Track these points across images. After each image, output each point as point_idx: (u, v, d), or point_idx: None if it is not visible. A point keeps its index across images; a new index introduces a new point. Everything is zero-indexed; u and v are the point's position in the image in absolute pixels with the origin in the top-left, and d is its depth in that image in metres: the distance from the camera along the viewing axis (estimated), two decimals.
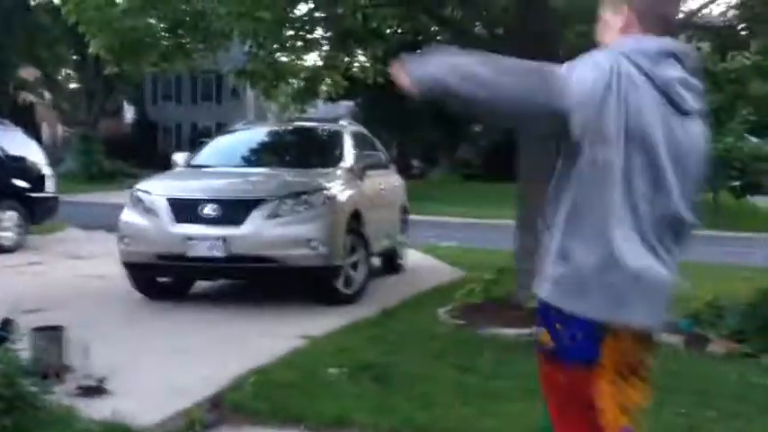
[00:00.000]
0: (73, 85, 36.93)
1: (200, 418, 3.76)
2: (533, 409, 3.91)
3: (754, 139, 21.96)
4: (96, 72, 32.11)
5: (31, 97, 39.86)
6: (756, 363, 4.94)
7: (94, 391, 3.93)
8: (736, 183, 21.13)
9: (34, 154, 11.05)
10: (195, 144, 15.50)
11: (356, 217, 7.00)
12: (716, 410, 3.98)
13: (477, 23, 7.64)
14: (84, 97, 33.26)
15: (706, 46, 7.29)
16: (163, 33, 7.01)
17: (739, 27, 6.65)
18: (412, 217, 9.67)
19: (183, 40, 6.98)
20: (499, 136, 30.51)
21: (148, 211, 6.59)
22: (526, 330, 5.36)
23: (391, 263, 8.71)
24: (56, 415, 3.54)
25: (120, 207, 7.11)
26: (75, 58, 33.59)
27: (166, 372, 4.47)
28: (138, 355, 4.76)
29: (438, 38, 13.07)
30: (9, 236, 10.07)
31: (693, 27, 6.82)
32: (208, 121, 39.84)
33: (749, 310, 5.40)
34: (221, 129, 12.64)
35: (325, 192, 6.69)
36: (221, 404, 3.99)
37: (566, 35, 7.41)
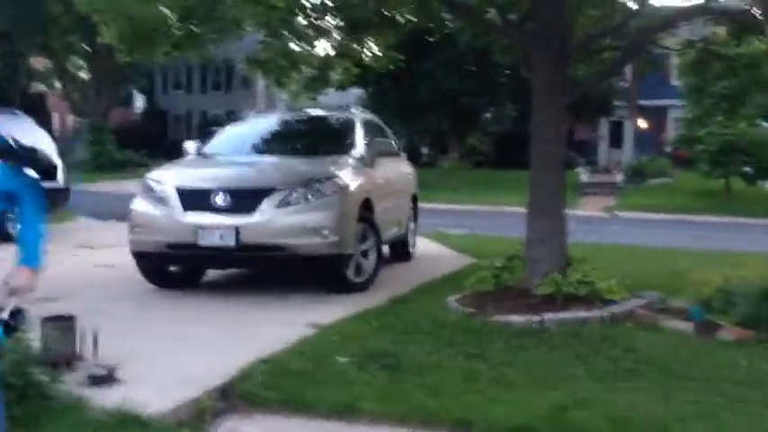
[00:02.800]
0: (83, 75, 36.99)
1: (211, 407, 3.78)
2: (543, 397, 3.92)
3: (766, 125, 21.76)
4: (107, 62, 32.22)
5: (42, 87, 40.03)
6: (767, 349, 4.90)
7: (105, 380, 3.95)
8: (748, 168, 20.98)
9: (44, 144, 11.09)
10: (205, 133, 15.52)
11: (367, 205, 6.99)
12: (726, 397, 3.96)
13: (490, 9, 7.59)
14: (95, 87, 33.33)
15: (722, 31, 7.21)
16: (175, 22, 7.00)
17: (755, 12, 6.57)
18: (421, 204, 9.65)
19: (195, 29, 6.96)
20: (509, 124, 30.39)
21: (159, 199, 6.60)
22: (536, 318, 5.37)
23: (401, 251, 8.70)
24: (66, 404, 3.57)
25: (130, 196, 7.13)
26: (85, 47, 33.63)
27: (176, 360, 4.48)
28: (149, 344, 4.78)
29: (450, 25, 13.01)
30: (19, 226, 10.11)
31: (710, 12, 6.75)
32: (218, 110, 39.90)
33: (760, 296, 5.36)
34: (231, 118, 12.67)
35: (336, 180, 6.68)
36: (231, 393, 4.01)
37: (578, 20, 7.35)
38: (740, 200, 20.24)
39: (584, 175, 26.36)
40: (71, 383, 3.79)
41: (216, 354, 4.60)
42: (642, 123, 31.85)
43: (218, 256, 6.46)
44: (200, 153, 7.76)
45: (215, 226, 6.31)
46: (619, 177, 26.65)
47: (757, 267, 5.98)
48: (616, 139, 33.43)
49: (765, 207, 18.83)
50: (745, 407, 3.86)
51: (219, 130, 8.57)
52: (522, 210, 6.69)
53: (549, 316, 5.38)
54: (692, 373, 4.38)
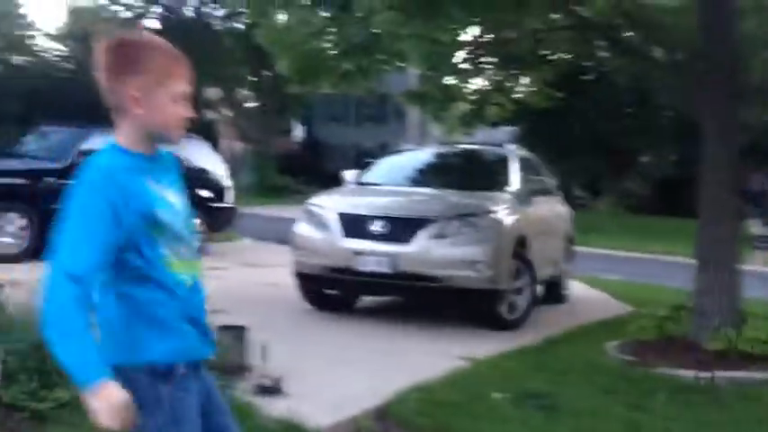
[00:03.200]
0: (249, 105, 39.42)
1: (368, 427, 3.86)
2: None
3: None
4: (272, 92, 34.18)
5: (213, 115, 43.04)
6: None
7: (271, 390, 4.14)
8: None
9: (217, 167, 11.90)
10: (359, 164, 16.02)
11: (522, 242, 6.92)
12: None
13: (655, 47, 7.34)
14: (260, 116, 35.41)
15: None
16: (339, 57, 7.34)
17: None
18: (575, 248, 9.41)
19: (363, 63, 7.26)
20: (669, 168, 29.03)
21: (320, 224, 6.87)
22: (706, 374, 5.03)
23: (555, 292, 8.51)
24: (237, 409, 3.76)
25: (288, 221, 7.46)
26: (252, 78, 35.90)
27: (334, 380, 4.63)
28: (308, 362, 4.96)
29: (610, 62, 12.72)
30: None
31: None
32: (371, 142, 41.05)
33: None
34: (384, 149, 12.98)
35: (491, 215, 6.68)
36: (387, 416, 4.08)
37: (751, 64, 6.95)
38: None
39: (757, 227, 24.63)
40: (241, 391, 4.01)
41: (371, 377, 4.70)
42: None
43: (373, 282, 6.61)
44: (358, 182, 8.02)
45: (372, 252, 6.48)
46: None
47: None
48: None
49: None
50: None
51: (376, 161, 8.83)
52: (682, 260, 6.36)
53: (720, 373, 5.02)
54: None
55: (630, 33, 7.47)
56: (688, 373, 5.03)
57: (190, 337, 1.88)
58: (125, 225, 1.76)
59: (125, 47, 1.83)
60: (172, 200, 1.88)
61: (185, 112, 1.89)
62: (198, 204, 10.93)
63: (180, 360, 1.84)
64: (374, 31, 6.70)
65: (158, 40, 1.89)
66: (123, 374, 1.74)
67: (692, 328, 5.73)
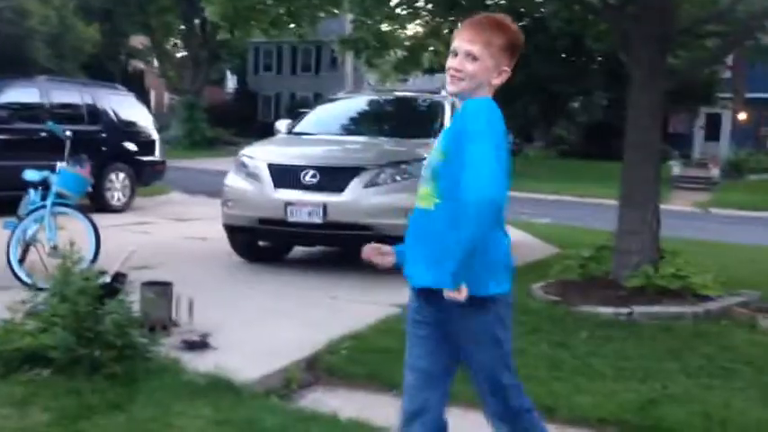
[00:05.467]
0: (179, 54, 38.23)
1: (297, 378, 3.86)
2: (630, 390, 3.83)
3: None
4: (202, 41, 33.20)
5: (140, 65, 41.62)
6: None
7: (198, 345, 4.10)
8: None
9: (144, 119, 11.54)
10: (293, 114, 15.79)
11: None
12: None
13: None
14: (191, 66, 34.41)
15: None
16: (273, 1, 7.12)
17: None
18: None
19: (293, 7, 7.07)
20: (599, 114, 29.60)
21: (251, 176, 6.76)
22: (625, 309, 5.23)
23: None
24: (163, 365, 3.72)
25: (220, 174, 7.32)
26: (182, 27, 34.74)
27: (264, 332, 4.61)
28: (238, 315, 4.93)
29: (543, 7, 12.71)
30: (118, 196, 10.60)
31: None
32: (306, 92, 40.49)
33: None
34: (319, 99, 12.83)
35: (424, 161, 6.66)
36: (317, 366, 4.09)
37: (679, 8, 7.05)
38: None
39: (677, 168, 25.43)
40: (167, 347, 3.95)
41: (302, 328, 4.70)
42: (742, 116, 30.40)
43: (305, 233, 6.57)
44: (290, 132, 7.89)
45: (303, 203, 6.42)
46: (715, 172, 25.59)
47: None
48: (713, 132, 32.05)
49: None
50: None
51: (309, 110, 8.69)
52: (610, 202, 6.53)
53: (638, 308, 5.24)
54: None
55: None
56: (608, 310, 5.22)
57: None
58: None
59: None
60: None
61: None
62: (124, 158, 10.74)
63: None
64: None
65: None
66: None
67: (614, 266, 5.92)
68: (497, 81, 2.28)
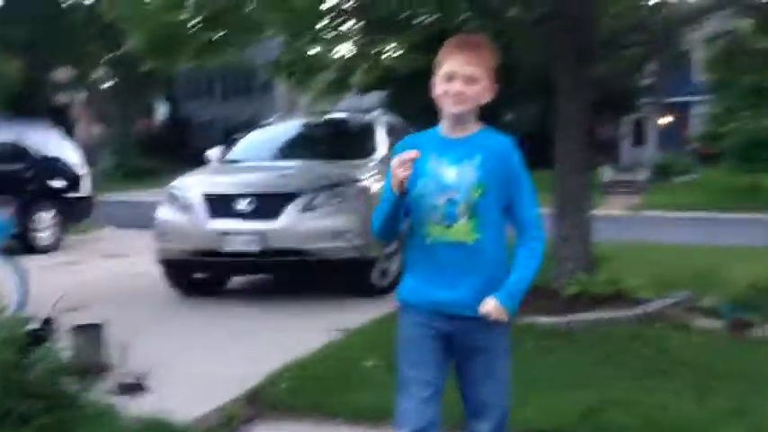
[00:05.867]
0: (106, 84, 37.43)
1: (238, 414, 3.77)
2: (573, 398, 3.86)
3: None
4: (129, 70, 32.56)
5: (66, 97, 40.55)
6: None
7: (134, 388, 3.97)
8: None
9: (69, 154, 11.22)
10: (227, 140, 15.62)
11: None
12: (761, 396, 3.88)
13: (512, 8, 7.51)
14: (119, 95, 33.74)
15: (749, 24, 7.09)
16: (197, 28, 7.02)
17: None
18: None
19: (217, 35, 6.99)
20: (531, 124, 30.20)
21: (184, 207, 6.63)
22: (564, 319, 5.30)
23: None
24: (97, 412, 3.58)
25: (152, 206, 7.17)
26: (108, 56, 34.03)
27: (204, 368, 4.50)
28: (176, 352, 4.80)
29: (468, 23, 12.91)
30: (46, 236, 10.25)
31: (737, 4, 6.64)
32: (240, 117, 40.10)
33: None
34: (252, 123, 12.70)
35: (358, 183, 6.67)
36: (258, 400, 4.00)
37: (601, 20, 7.26)
38: None
39: (607, 173, 26.12)
40: (101, 392, 3.80)
41: (242, 361, 4.61)
42: (665, 120, 31.52)
43: (242, 262, 6.47)
44: (223, 160, 7.79)
45: (239, 231, 6.33)
46: (643, 175, 26.38)
47: None
48: (638, 138, 33.12)
49: None
50: None
51: (240, 137, 8.60)
52: (547, 210, 6.62)
53: (575, 317, 5.31)
54: (726, 372, 4.29)
55: None
56: (549, 320, 5.27)
57: None
58: None
59: None
60: None
61: None
62: (50, 196, 10.41)
63: None
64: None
65: None
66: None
67: (553, 275, 6.00)
68: (489, 98, 2.45)
